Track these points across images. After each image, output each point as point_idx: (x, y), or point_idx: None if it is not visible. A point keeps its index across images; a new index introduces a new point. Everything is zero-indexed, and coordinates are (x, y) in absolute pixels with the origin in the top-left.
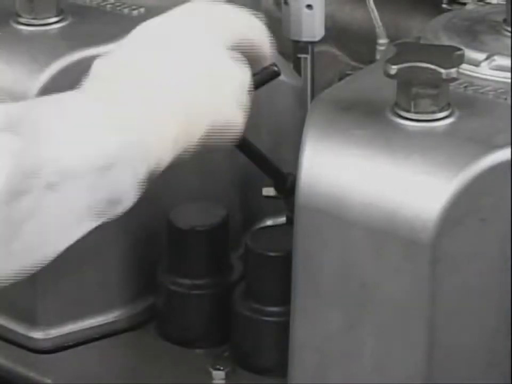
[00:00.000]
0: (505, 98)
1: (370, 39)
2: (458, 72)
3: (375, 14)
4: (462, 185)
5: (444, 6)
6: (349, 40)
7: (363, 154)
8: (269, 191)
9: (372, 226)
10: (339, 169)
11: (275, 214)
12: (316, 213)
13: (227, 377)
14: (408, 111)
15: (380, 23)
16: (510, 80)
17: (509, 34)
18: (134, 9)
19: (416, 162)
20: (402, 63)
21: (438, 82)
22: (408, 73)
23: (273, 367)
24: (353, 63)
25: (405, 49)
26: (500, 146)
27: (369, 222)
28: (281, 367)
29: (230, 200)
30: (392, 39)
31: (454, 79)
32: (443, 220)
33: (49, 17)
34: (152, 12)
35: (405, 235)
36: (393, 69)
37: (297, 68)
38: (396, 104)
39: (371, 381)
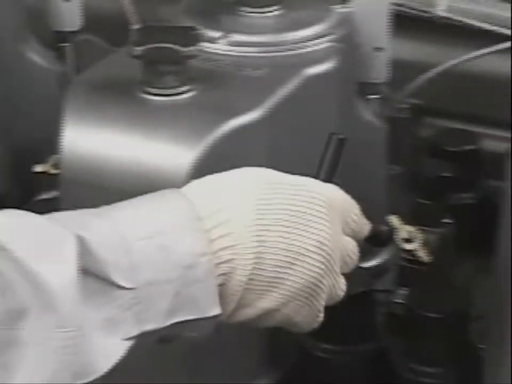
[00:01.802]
0: (240, 70)
1: (126, 25)
2: (198, 50)
3: (125, 1)
4: (204, 151)
5: None
6: (106, 27)
7: (117, 128)
8: (39, 167)
9: (128, 192)
10: (96, 144)
11: (50, 188)
12: (79, 185)
13: None
14: (154, 87)
15: (131, 9)
16: (243, 54)
17: (244, 14)
18: None
19: (163, 132)
20: (145, 44)
21: (179, 60)
22: (151, 53)
23: None
24: (113, 49)
25: (149, 32)
26: (238, 113)
27: (124, 188)
28: None
29: (2, 179)
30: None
31: (194, 56)
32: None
33: None
34: None
35: None
36: (138, 50)
37: (62, 56)
38: (143, 82)
39: None
